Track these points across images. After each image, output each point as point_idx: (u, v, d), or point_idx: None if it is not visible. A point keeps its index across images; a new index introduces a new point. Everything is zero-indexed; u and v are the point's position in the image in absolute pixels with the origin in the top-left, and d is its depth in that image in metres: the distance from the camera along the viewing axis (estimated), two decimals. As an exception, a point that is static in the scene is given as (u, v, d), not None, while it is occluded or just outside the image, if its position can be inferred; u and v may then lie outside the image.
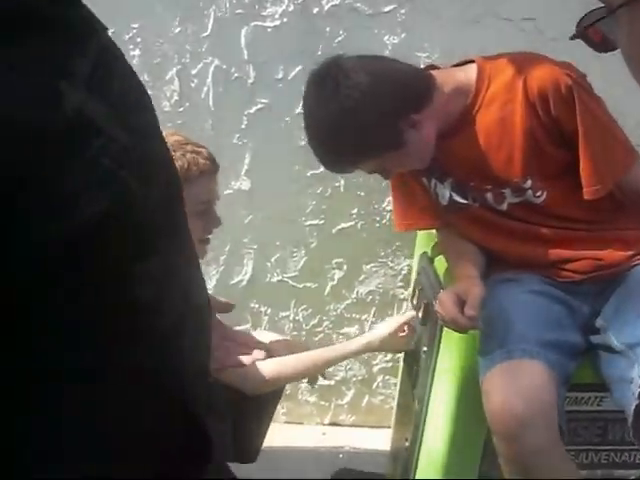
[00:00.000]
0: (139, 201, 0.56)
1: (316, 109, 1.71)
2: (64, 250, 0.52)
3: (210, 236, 1.76)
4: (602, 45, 0.87)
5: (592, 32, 0.85)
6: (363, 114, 1.64)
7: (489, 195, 1.78)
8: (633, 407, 1.56)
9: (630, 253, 1.78)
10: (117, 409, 0.57)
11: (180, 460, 0.62)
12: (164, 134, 1.55)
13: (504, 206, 1.79)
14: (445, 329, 1.84)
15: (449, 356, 1.85)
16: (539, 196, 1.75)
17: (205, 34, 2.21)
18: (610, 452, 1.93)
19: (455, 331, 1.67)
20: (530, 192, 1.75)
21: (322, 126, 1.70)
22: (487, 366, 1.63)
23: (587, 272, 1.78)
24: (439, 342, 1.88)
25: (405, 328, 1.97)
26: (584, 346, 1.75)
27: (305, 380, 2.01)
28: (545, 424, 1.54)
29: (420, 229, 2.09)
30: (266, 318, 2.51)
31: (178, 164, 1.61)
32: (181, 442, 0.61)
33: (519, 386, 1.56)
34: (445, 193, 1.84)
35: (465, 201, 1.82)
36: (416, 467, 2.01)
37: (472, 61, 1.79)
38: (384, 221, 2.40)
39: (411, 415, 2.05)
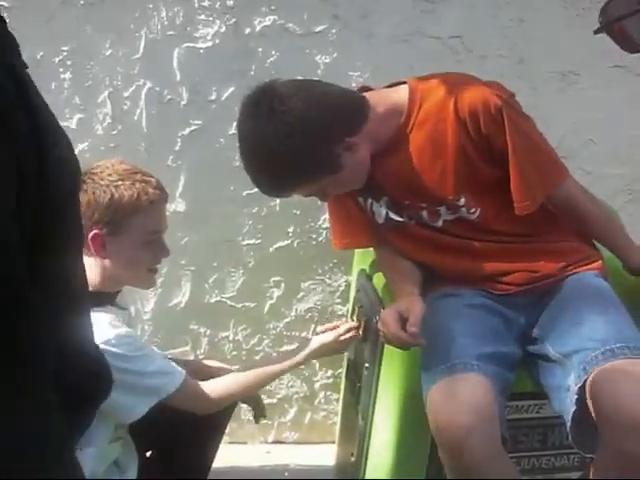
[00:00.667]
0: None
1: (251, 135, 1.71)
2: None
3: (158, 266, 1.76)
4: (626, 43, 0.77)
5: (617, 28, 0.77)
6: (298, 139, 1.65)
7: (424, 213, 1.82)
8: (571, 414, 1.61)
9: (563, 264, 1.83)
10: None
11: None
12: (111, 163, 1.49)
13: (439, 223, 1.82)
14: (386, 346, 1.87)
15: (391, 372, 1.88)
16: (473, 212, 1.79)
17: (137, 56, 2.20)
18: (550, 457, 1.98)
19: (398, 348, 1.69)
20: (464, 209, 1.79)
21: (257, 152, 1.71)
22: (430, 381, 1.66)
23: (522, 284, 1.83)
24: (380, 358, 1.91)
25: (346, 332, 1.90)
26: (521, 356, 1.79)
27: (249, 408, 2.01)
28: (488, 435, 1.58)
29: (357, 247, 2.11)
30: (205, 339, 2.50)
31: (127, 193, 1.60)
32: None
33: (461, 400, 1.59)
34: (381, 212, 1.86)
35: (401, 219, 1.85)
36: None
37: (404, 82, 1.82)
38: (320, 238, 2.42)
39: (355, 430, 2.07)
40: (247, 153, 1.73)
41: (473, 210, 1.79)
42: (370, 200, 1.87)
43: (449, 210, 1.80)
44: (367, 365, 1.98)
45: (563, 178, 1.81)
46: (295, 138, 1.64)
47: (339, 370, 2.54)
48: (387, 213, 1.85)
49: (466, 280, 1.84)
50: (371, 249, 2.09)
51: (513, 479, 1.66)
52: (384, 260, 1.95)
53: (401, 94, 1.79)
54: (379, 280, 1.99)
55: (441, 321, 1.75)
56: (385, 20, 2.24)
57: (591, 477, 1.65)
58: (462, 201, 1.78)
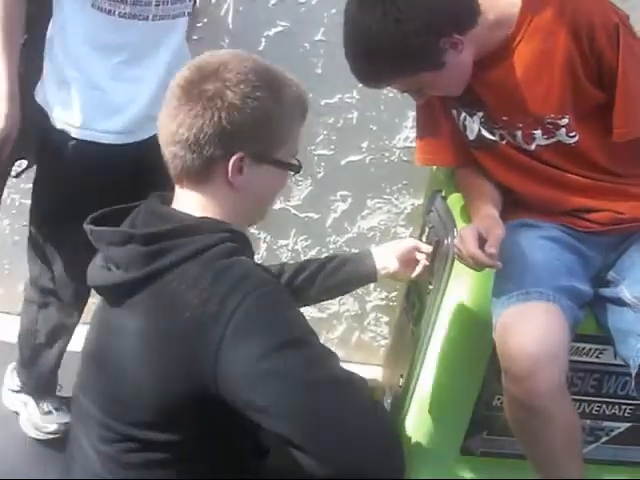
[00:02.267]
0: None
1: (358, 17, 1.64)
2: None
3: None
4: None
5: None
6: (406, 25, 1.58)
7: (519, 133, 1.76)
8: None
9: None
10: None
11: None
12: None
13: (532, 146, 1.77)
14: (455, 268, 1.84)
15: (458, 294, 1.85)
16: (572, 136, 1.73)
17: (232, -51, 2.15)
18: (602, 404, 1.97)
19: (471, 268, 1.66)
20: (564, 130, 1.73)
21: (363, 35, 1.63)
22: (503, 306, 1.64)
23: (605, 224, 1.78)
24: (447, 280, 1.88)
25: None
26: (591, 297, 1.76)
27: None
28: (557, 367, 1.56)
29: (442, 165, 2.06)
30: (264, 245, 2.48)
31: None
32: None
33: (535, 328, 1.57)
34: (474, 127, 1.81)
35: (493, 137, 1.80)
36: (409, 405, 2.02)
37: None
38: (393, 157, 2.38)
39: (408, 353, 2.05)
40: (351, 35, 1.67)
41: (573, 134, 1.73)
42: (464, 114, 1.82)
43: (544, 134, 1.74)
44: (431, 287, 1.95)
45: None
46: (404, 24, 1.58)
47: (393, 293, 2.53)
48: (480, 130, 1.80)
49: (549, 211, 1.80)
50: (447, 171, 2.06)
51: (572, 417, 1.65)
52: (466, 180, 1.90)
53: (513, 3, 1.71)
54: (454, 202, 1.95)
55: (517, 248, 1.71)
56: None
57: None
58: (565, 121, 1.72)
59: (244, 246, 1.29)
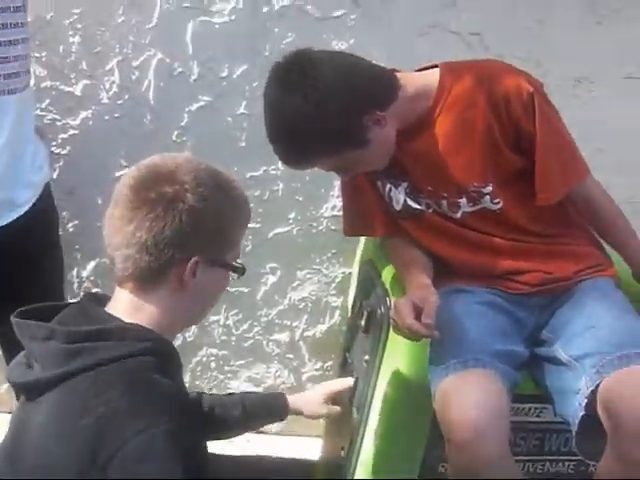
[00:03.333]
0: None
1: (279, 101, 1.66)
2: None
3: None
4: None
5: None
6: (328, 107, 1.61)
7: (444, 202, 1.79)
8: (579, 418, 1.59)
9: (578, 268, 1.82)
10: None
11: None
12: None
13: (458, 214, 1.79)
14: (390, 338, 1.83)
15: (394, 364, 1.84)
16: (496, 202, 1.76)
17: (150, 25, 2.14)
18: (545, 462, 1.96)
19: (407, 339, 1.65)
20: (488, 197, 1.76)
21: (285, 119, 1.66)
22: (441, 375, 1.63)
23: (535, 285, 1.81)
24: (383, 351, 1.87)
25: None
26: (527, 357, 1.77)
27: None
28: (499, 432, 1.56)
29: (370, 235, 2.06)
30: (196, 323, 2.44)
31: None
32: None
33: (474, 395, 1.56)
34: (399, 198, 1.83)
35: (419, 207, 1.81)
36: (352, 477, 1.99)
37: (435, 66, 1.80)
38: (321, 227, 2.38)
39: (347, 424, 2.03)
40: (273, 120, 1.68)
41: (497, 200, 1.76)
42: (389, 185, 1.83)
43: (469, 202, 1.77)
44: (367, 357, 1.94)
45: (586, 174, 1.82)
46: (325, 106, 1.60)
47: (328, 362, 2.51)
48: (405, 200, 1.82)
49: (479, 277, 1.82)
50: (377, 240, 2.06)
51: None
52: (396, 249, 1.91)
53: (432, 77, 1.76)
54: (385, 271, 1.96)
55: (452, 316, 1.71)
56: (405, 10, 2.20)
57: (595, 484, 1.63)
58: (488, 189, 1.75)
59: (168, 360, 1.28)
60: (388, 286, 1.90)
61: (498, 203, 1.77)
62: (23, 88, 1.72)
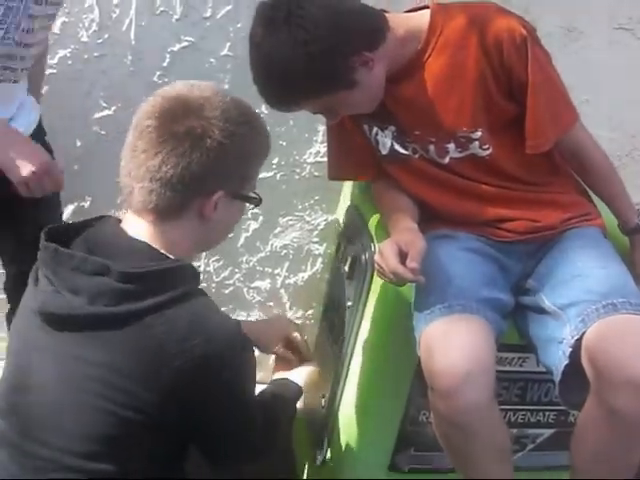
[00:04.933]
0: None
1: (265, 41, 1.60)
2: None
3: None
4: None
5: None
6: (315, 46, 1.56)
7: (432, 147, 1.75)
8: (563, 366, 1.58)
9: (565, 217, 1.80)
10: None
11: None
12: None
13: (446, 160, 1.76)
14: (374, 283, 1.81)
15: (378, 310, 1.82)
16: (486, 149, 1.74)
17: (131, -39, 2.07)
18: (527, 412, 1.97)
19: (393, 284, 1.63)
20: (477, 143, 1.73)
21: (271, 60, 1.60)
22: (426, 321, 1.61)
23: (522, 233, 1.78)
24: (367, 297, 1.85)
25: None
26: (513, 306, 1.75)
27: None
28: (484, 381, 1.54)
29: (355, 179, 2.03)
30: (175, 267, 2.40)
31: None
32: None
33: (461, 342, 1.55)
34: (386, 142, 1.79)
35: (406, 152, 1.78)
36: (333, 425, 1.98)
37: (426, 7, 1.75)
38: (304, 173, 2.34)
39: (329, 372, 2.01)
40: (259, 60, 1.63)
41: (486, 146, 1.73)
42: (376, 128, 1.80)
43: (458, 148, 1.74)
44: (350, 304, 1.92)
45: (575, 120, 1.79)
46: (312, 45, 1.55)
47: (310, 311, 2.49)
48: (392, 144, 1.79)
49: (465, 223, 1.79)
50: (362, 185, 2.03)
51: (501, 431, 1.63)
52: (382, 194, 1.88)
53: (422, 18, 1.72)
54: (370, 216, 1.93)
55: (437, 261, 1.69)
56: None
57: (576, 432, 1.63)
58: (477, 134, 1.72)
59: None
60: (373, 232, 1.87)
61: (487, 149, 1.74)
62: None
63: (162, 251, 1.28)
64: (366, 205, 1.97)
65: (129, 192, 1.29)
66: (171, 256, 1.28)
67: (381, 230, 1.83)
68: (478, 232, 1.80)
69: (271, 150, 2.20)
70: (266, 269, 2.44)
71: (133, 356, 1.20)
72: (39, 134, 1.87)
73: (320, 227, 2.41)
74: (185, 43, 2.17)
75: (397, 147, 1.79)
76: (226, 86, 2.20)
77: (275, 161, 2.31)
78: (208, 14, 2.15)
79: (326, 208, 2.38)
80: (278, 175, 2.33)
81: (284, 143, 2.29)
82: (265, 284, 2.46)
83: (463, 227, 1.80)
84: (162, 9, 2.13)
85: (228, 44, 2.17)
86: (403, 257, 1.58)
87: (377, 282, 1.77)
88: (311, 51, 1.56)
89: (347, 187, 2.19)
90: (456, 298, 1.61)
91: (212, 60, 2.19)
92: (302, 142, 2.30)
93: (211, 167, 1.26)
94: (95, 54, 2.15)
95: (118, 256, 1.25)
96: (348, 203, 2.10)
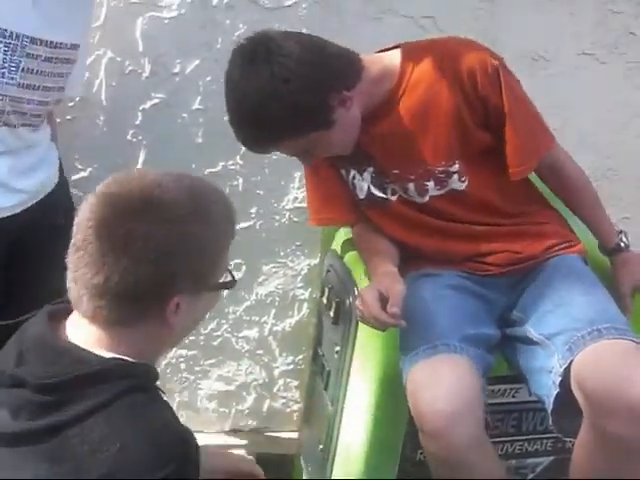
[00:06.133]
0: None
1: (244, 78, 1.60)
2: None
3: None
4: None
5: None
6: (295, 84, 1.57)
7: (411, 186, 1.76)
8: (554, 396, 1.58)
9: (546, 246, 1.81)
10: None
11: None
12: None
13: (425, 198, 1.77)
14: (360, 327, 1.81)
15: (365, 354, 1.82)
16: (463, 181, 1.75)
17: (98, 24, 2.07)
18: (524, 442, 1.96)
19: (375, 329, 1.64)
20: (456, 177, 1.74)
21: (250, 98, 1.60)
22: (411, 362, 1.61)
23: (504, 265, 1.80)
24: (354, 341, 1.86)
25: None
26: (499, 339, 1.76)
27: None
28: (472, 419, 1.54)
29: (335, 224, 2.04)
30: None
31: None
32: None
33: (446, 382, 1.55)
34: (363, 186, 1.81)
35: (384, 195, 1.79)
36: (332, 468, 1.97)
37: (397, 47, 1.78)
38: (283, 220, 2.34)
39: (323, 417, 2.01)
40: (237, 99, 1.63)
41: (464, 179, 1.75)
42: (353, 172, 1.81)
43: (437, 185, 1.75)
44: (338, 348, 1.92)
45: (553, 143, 1.81)
46: (293, 82, 1.56)
47: (300, 356, 2.48)
48: (369, 188, 1.80)
49: (447, 260, 1.80)
50: (341, 230, 2.04)
51: (496, 467, 1.63)
52: (361, 237, 1.89)
53: (393, 57, 1.75)
54: (351, 260, 1.93)
55: (420, 302, 1.70)
56: (356, -3, 2.18)
57: (573, 460, 1.62)
58: (455, 167, 1.73)
59: (151, 387, 1.18)
60: (355, 276, 1.88)
61: (465, 182, 1.75)
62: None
63: (114, 355, 1.15)
64: (346, 248, 1.97)
65: (77, 297, 1.15)
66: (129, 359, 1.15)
67: (363, 274, 1.83)
68: (460, 268, 1.81)
69: (248, 200, 2.29)
70: (253, 317, 2.44)
71: (55, 474, 1.06)
72: (62, 188, 1.91)
73: (304, 272, 2.41)
74: (156, 100, 2.19)
75: (375, 190, 1.80)
76: (199, 139, 2.22)
77: (254, 210, 2.32)
78: (177, 70, 2.16)
79: (308, 253, 2.38)
80: (257, 224, 2.33)
81: (261, 192, 2.30)
82: (253, 333, 2.46)
83: (445, 265, 1.80)
84: (131, 68, 2.15)
85: (199, 98, 2.19)
86: (384, 302, 1.58)
87: (363, 326, 1.77)
88: (292, 88, 1.57)
89: (326, 231, 2.19)
90: (440, 338, 1.62)
91: (184, 115, 2.21)
92: (279, 189, 2.31)
93: (161, 274, 1.12)
94: (67, 117, 2.16)
95: (45, 362, 1.13)
96: (329, 247, 2.10)
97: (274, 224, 2.35)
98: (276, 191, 2.31)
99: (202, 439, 2.39)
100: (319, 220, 1.95)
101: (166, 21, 2.11)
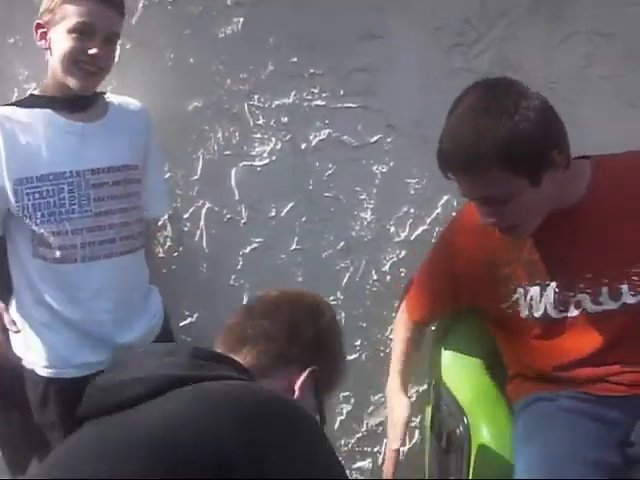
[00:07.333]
0: None
1: (484, 121, 1.58)
2: None
3: None
4: None
5: None
6: (525, 124, 1.56)
7: (604, 290, 1.69)
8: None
9: None
10: None
11: None
12: None
13: (618, 304, 1.69)
14: (474, 456, 1.78)
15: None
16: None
17: (195, 177, 2.20)
18: None
19: None
20: None
21: (479, 125, 1.58)
22: None
23: (629, 385, 1.70)
24: (468, 470, 1.82)
25: None
26: (622, 462, 1.68)
27: None
28: None
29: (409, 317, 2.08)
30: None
31: None
32: None
33: None
34: (540, 306, 1.75)
35: (565, 314, 1.74)
36: None
37: (585, 157, 1.76)
38: (388, 350, 2.35)
39: None
40: (464, 129, 1.61)
41: None
42: (536, 288, 1.75)
43: (631, 291, 1.68)
44: (452, 478, 1.89)
45: None
46: (523, 122, 1.55)
47: (413, 486, 2.44)
48: (545, 308, 1.75)
49: (567, 381, 1.74)
50: (446, 357, 2.03)
51: None
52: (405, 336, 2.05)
53: (583, 166, 1.73)
54: (458, 389, 1.92)
55: (539, 427, 1.68)
56: (438, 124, 2.23)
57: None
58: None
59: None
60: (464, 405, 1.86)
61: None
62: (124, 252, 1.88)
63: None
64: (451, 377, 1.96)
65: None
66: None
67: (472, 403, 1.81)
68: (577, 389, 1.74)
69: (353, 332, 2.32)
70: (365, 448, 2.43)
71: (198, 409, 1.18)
72: (164, 339, 1.99)
73: (412, 399, 2.39)
74: (255, 244, 2.27)
75: (550, 310, 1.75)
76: (299, 278, 2.28)
77: (358, 343, 2.35)
78: (273, 214, 2.25)
79: (415, 380, 2.37)
80: (363, 355, 2.36)
81: (364, 324, 2.33)
82: (366, 464, 2.44)
83: (560, 386, 1.75)
84: (229, 216, 2.25)
85: (295, 238, 2.26)
86: None
87: (478, 454, 1.75)
88: (520, 125, 1.56)
89: (432, 360, 2.19)
90: (561, 461, 1.57)
91: (283, 256, 2.28)
92: (381, 320, 2.34)
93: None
94: (173, 267, 2.26)
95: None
96: (437, 374, 2.09)
97: (379, 354, 2.37)
98: (377, 322, 2.34)
99: None
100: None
101: (259, 169, 2.22)
